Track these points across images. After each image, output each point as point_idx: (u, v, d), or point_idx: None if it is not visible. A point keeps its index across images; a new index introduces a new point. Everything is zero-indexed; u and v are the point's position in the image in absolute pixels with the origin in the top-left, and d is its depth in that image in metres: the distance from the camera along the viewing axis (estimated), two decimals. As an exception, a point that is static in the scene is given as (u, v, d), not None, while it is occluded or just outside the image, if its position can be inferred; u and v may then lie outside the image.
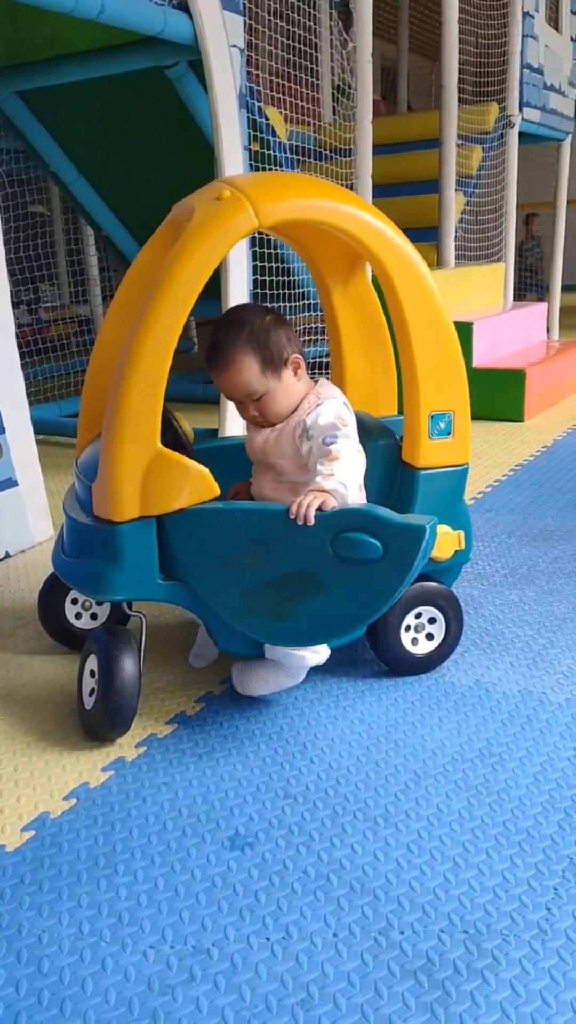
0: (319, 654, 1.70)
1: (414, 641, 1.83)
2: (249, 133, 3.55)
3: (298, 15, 3.94)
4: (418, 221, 4.77)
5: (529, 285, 8.56)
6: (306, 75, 4.11)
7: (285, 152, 3.98)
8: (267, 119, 3.82)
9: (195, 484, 1.59)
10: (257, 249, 3.65)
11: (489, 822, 1.38)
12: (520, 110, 5.60)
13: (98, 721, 1.61)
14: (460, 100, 4.82)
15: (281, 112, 4.02)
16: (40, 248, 5.13)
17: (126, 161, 4.59)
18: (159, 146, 4.31)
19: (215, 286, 3.08)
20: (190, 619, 2.09)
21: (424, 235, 4.65)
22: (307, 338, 3.87)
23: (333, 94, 5.15)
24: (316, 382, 1.79)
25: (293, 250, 1.99)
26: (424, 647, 1.84)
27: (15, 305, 2.65)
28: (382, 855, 1.32)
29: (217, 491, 1.61)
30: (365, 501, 1.79)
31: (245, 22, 3.47)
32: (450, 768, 1.53)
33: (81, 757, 1.59)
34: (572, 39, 6.64)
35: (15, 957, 1.15)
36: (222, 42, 3.31)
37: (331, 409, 1.69)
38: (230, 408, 3.55)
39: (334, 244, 1.89)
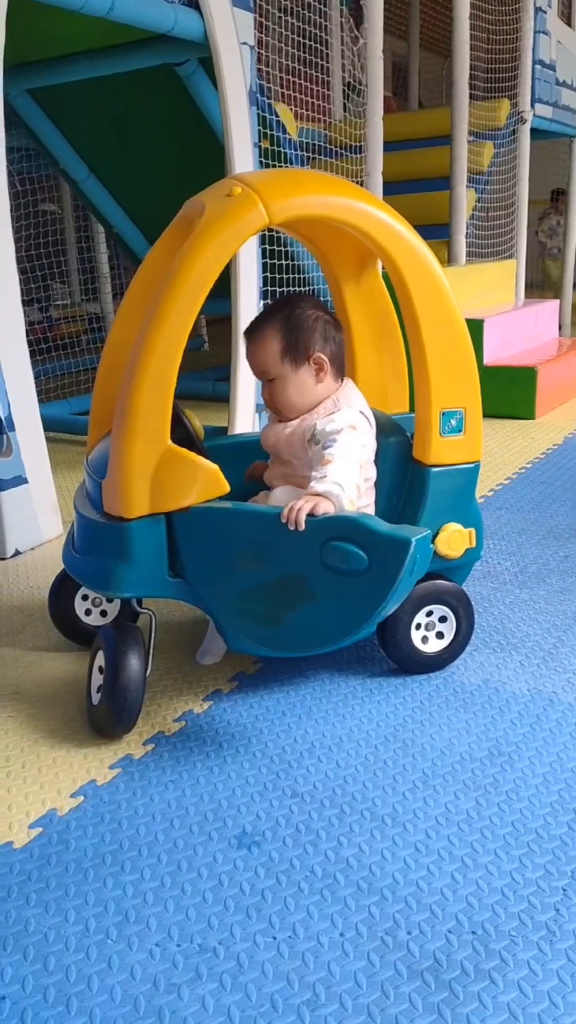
0: None
1: (424, 639, 1.82)
2: (259, 130, 3.54)
3: (308, 11, 3.93)
4: (429, 218, 4.76)
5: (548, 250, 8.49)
6: (316, 72, 4.10)
7: (295, 149, 3.97)
8: (277, 116, 3.81)
9: (205, 481, 1.58)
10: (267, 247, 3.65)
11: (498, 822, 1.38)
12: (532, 106, 5.58)
13: (104, 717, 1.61)
14: (471, 96, 4.80)
15: (291, 109, 4.01)
16: (51, 246, 5.15)
17: (136, 158, 4.59)
18: (169, 143, 4.31)
19: (225, 284, 3.09)
20: (198, 617, 2.09)
21: (435, 232, 4.64)
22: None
23: (344, 91, 5.14)
24: (341, 384, 1.79)
25: (304, 247, 1.99)
26: (434, 645, 1.83)
27: (25, 303, 2.65)
28: (389, 855, 1.31)
29: (227, 488, 1.60)
30: (373, 501, 1.79)
31: (255, 19, 3.46)
32: (458, 768, 1.52)
33: (89, 754, 1.59)
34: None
35: (21, 954, 1.15)
36: (232, 39, 3.30)
37: (344, 418, 1.69)
38: (239, 406, 3.56)
39: (345, 241, 1.88)
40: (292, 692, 1.79)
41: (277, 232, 3.29)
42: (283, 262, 3.80)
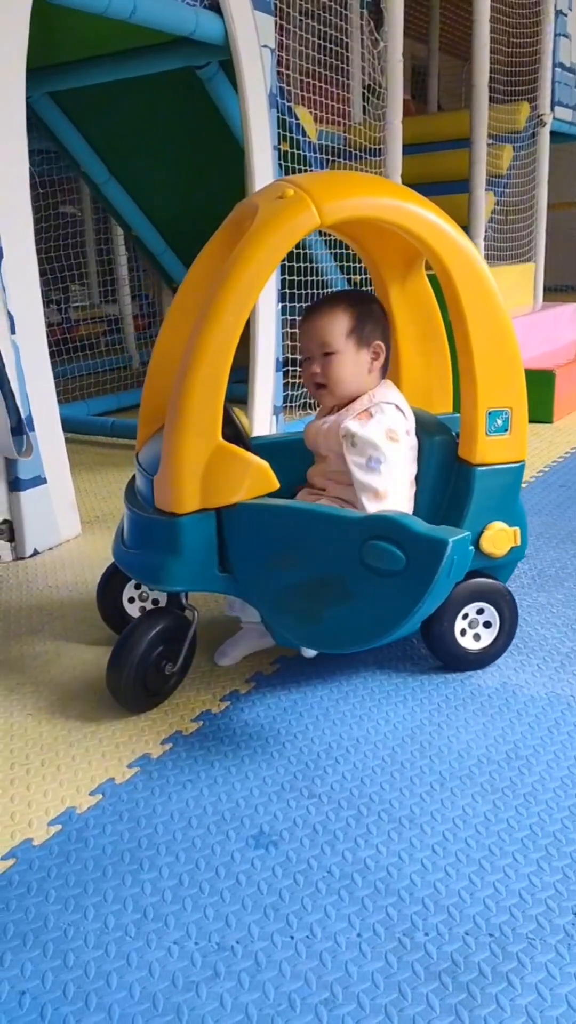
0: None
1: (466, 634, 1.84)
2: (279, 133, 3.55)
3: (329, 15, 3.93)
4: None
5: None
6: (336, 75, 4.10)
7: (315, 152, 3.97)
8: (297, 119, 3.82)
9: (255, 478, 1.61)
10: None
11: (515, 825, 1.37)
12: (552, 109, 5.56)
13: (106, 678, 1.70)
14: (491, 99, 4.78)
15: (311, 112, 4.01)
16: (70, 248, 5.17)
17: (156, 161, 4.61)
18: (189, 146, 4.33)
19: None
20: (217, 618, 2.09)
21: (453, 235, 4.62)
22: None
23: (363, 94, 5.13)
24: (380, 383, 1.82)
25: (352, 248, 2.01)
26: (479, 643, 1.85)
27: (45, 304, 2.67)
28: (407, 856, 1.31)
29: (276, 485, 1.63)
30: (411, 496, 1.81)
31: (276, 22, 3.47)
32: (476, 771, 1.52)
33: (107, 753, 1.60)
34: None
35: (41, 950, 1.16)
36: (253, 42, 3.31)
37: (380, 424, 1.71)
38: (257, 407, 3.56)
39: (392, 242, 1.91)
40: (310, 693, 1.79)
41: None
42: (302, 264, 3.80)
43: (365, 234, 1.94)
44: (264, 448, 1.83)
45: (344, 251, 4.08)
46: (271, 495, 1.64)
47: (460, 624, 1.82)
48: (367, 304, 1.81)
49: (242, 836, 1.37)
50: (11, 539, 2.64)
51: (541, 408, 4.22)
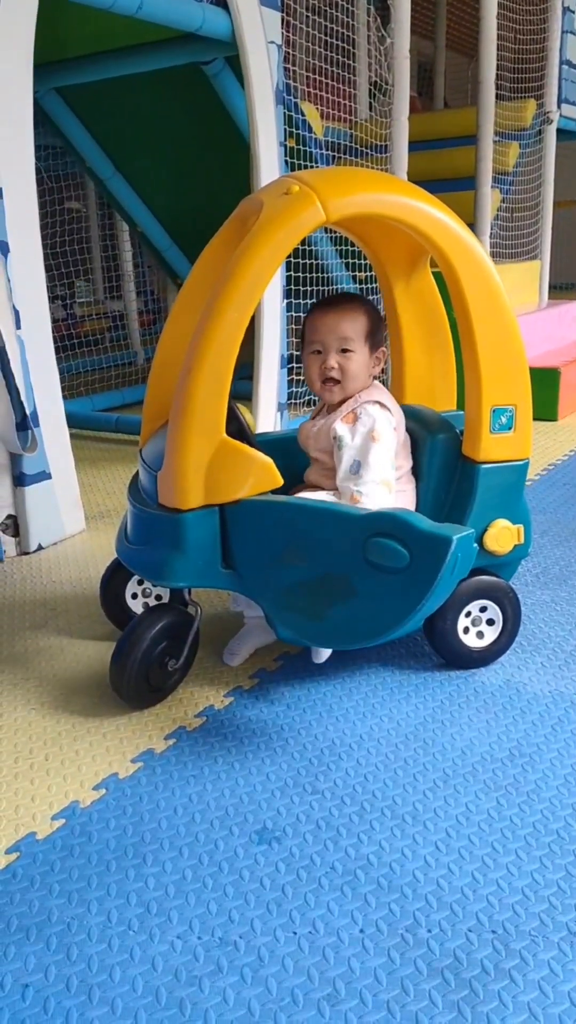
0: None
1: (469, 631, 1.84)
2: (285, 129, 3.54)
3: (335, 11, 3.92)
4: (453, 218, 4.73)
5: None
6: (343, 71, 4.09)
7: (321, 148, 3.97)
8: (303, 115, 3.81)
9: (259, 474, 1.62)
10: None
11: (519, 823, 1.37)
12: (558, 106, 5.54)
13: (110, 672, 1.70)
14: (497, 96, 4.77)
15: (317, 108, 4.01)
16: (75, 243, 5.17)
17: (161, 157, 4.61)
18: (194, 142, 4.32)
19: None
20: (220, 614, 2.10)
21: (459, 232, 4.61)
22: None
23: (370, 90, 5.13)
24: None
25: (357, 245, 2.01)
26: (481, 641, 1.85)
27: (50, 300, 2.67)
28: (410, 853, 1.31)
29: (280, 482, 1.63)
30: (412, 488, 1.82)
31: (283, 18, 3.46)
32: (479, 767, 1.52)
33: (111, 748, 1.60)
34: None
35: (44, 944, 1.16)
36: (259, 38, 3.31)
37: (363, 426, 1.73)
38: (262, 404, 3.56)
39: (397, 239, 1.91)
40: (313, 690, 1.79)
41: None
42: (307, 261, 3.80)
43: (370, 231, 1.94)
44: (268, 445, 1.84)
45: (349, 248, 4.07)
46: (275, 491, 1.64)
47: (463, 622, 1.82)
48: (377, 311, 1.83)
49: (245, 831, 1.37)
50: (15, 534, 2.65)
51: (546, 406, 4.22)
